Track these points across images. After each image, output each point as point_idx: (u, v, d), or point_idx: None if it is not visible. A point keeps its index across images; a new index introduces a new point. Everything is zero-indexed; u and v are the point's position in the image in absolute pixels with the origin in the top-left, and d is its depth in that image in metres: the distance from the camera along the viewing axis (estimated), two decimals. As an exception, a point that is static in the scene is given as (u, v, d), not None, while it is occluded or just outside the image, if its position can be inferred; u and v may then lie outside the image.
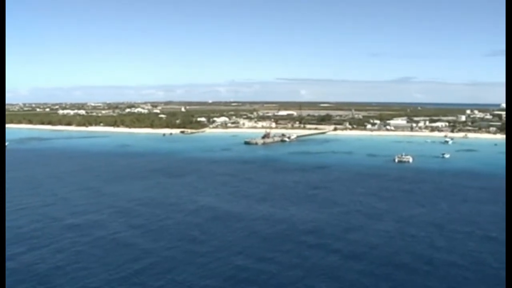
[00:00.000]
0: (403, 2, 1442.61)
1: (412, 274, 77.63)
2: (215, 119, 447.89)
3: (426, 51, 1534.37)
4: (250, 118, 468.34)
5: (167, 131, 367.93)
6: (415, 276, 76.88)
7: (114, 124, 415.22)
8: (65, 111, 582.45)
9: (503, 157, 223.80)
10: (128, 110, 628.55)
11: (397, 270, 79.33)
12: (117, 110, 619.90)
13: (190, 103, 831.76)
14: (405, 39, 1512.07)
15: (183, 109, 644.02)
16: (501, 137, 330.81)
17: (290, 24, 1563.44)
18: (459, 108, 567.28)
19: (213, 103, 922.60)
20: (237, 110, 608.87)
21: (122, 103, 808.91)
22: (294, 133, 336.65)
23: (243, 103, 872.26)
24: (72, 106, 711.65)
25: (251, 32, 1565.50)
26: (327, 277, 76.12)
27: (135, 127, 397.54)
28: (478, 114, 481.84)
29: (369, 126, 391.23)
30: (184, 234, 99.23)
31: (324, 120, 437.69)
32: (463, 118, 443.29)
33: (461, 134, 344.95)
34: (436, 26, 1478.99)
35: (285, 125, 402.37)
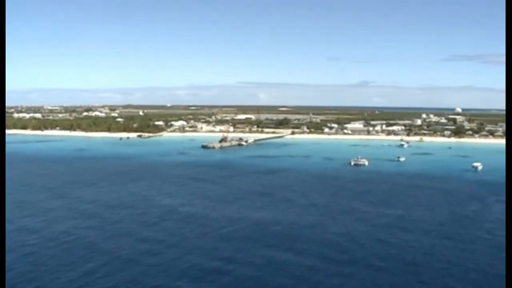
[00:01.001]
0: (362, 7, 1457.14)
1: (364, 270, 79.16)
2: (173, 123, 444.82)
3: (385, 56, 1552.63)
4: (208, 122, 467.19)
5: (124, 135, 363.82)
6: (366, 272, 78.23)
7: (71, 128, 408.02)
8: (21, 115, 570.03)
9: (456, 160, 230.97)
10: (85, 113, 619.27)
11: (349, 266, 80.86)
12: (74, 114, 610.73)
13: (148, 107, 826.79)
14: (364, 43, 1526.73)
15: (141, 113, 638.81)
16: (455, 140, 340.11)
17: (251, 28, 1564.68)
18: (415, 112, 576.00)
19: (172, 107, 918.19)
20: (196, 114, 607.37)
21: (80, 107, 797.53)
22: (251, 137, 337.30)
23: (202, 107, 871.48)
24: (28, 110, 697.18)
25: (212, 35, 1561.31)
26: (280, 275, 76.74)
27: (91, 131, 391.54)
28: (433, 118, 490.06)
29: (326, 130, 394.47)
30: (138, 234, 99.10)
31: (282, 124, 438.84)
32: (419, 122, 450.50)
33: (417, 138, 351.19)
34: (395, 31, 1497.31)
35: (243, 129, 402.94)
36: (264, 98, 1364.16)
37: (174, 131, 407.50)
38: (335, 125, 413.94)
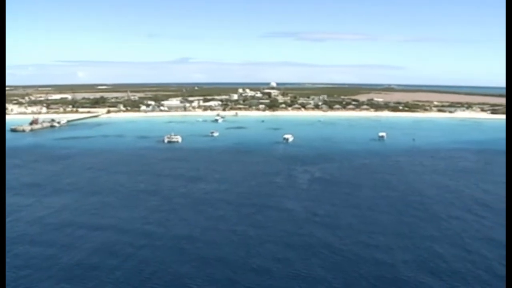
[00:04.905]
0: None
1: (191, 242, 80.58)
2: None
3: (204, 33, 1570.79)
4: (20, 103, 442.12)
5: None
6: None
7: None
8: None
9: (269, 132, 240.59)
10: None
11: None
12: None
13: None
14: (184, 20, 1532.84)
15: None
16: (270, 113, 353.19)
17: (67, 6, 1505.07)
18: (233, 87, 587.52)
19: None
20: (8, 95, 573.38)
21: None
22: (65, 117, 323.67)
23: (16, 87, 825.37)
24: None
25: (26, 12, 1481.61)
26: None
27: None
28: (249, 93, 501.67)
29: (143, 107, 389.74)
30: None
31: (98, 103, 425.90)
32: (235, 96, 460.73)
33: (232, 112, 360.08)
34: (215, 8, 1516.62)
35: (57, 110, 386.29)
36: (83, 77, 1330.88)
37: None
38: (152, 103, 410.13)
